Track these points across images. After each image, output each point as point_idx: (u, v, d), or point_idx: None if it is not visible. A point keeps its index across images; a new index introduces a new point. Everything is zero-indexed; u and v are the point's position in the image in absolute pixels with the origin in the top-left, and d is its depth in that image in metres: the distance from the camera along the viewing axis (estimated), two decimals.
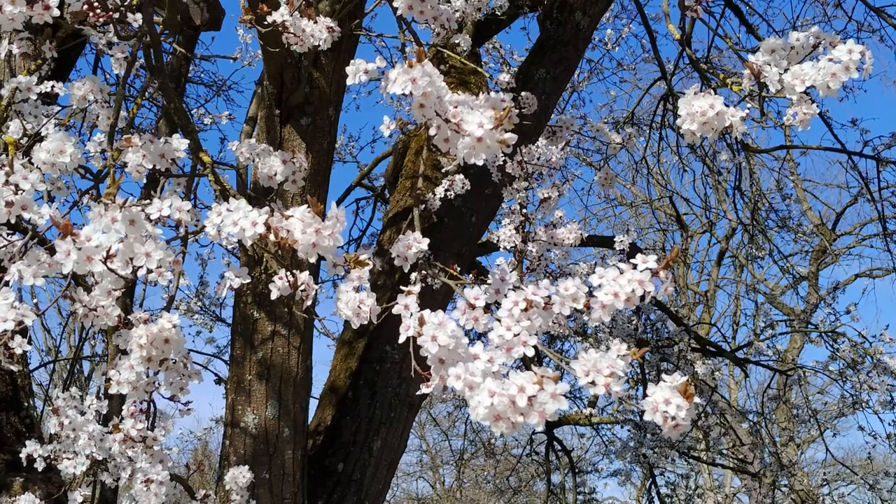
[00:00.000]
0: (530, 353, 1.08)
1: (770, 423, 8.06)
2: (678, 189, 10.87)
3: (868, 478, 9.21)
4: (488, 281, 1.25)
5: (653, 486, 5.81)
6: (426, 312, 1.11)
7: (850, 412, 6.20)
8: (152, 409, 1.61)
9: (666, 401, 1.02)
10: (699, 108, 1.32)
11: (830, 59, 1.34)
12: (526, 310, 1.10)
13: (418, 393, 1.12)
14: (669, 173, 10.24)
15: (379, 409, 2.95)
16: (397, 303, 1.21)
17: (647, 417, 1.02)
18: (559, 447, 5.74)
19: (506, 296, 1.13)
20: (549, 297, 1.13)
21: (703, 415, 5.80)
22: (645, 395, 1.03)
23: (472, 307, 1.16)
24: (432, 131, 1.20)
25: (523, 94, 2.94)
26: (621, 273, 1.13)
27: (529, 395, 0.97)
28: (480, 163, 1.19)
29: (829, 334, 6.05)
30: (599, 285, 1.13)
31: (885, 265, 10.37)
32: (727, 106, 1.34)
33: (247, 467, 2.38)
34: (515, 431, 0.98)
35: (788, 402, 7.66)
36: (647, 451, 5.48)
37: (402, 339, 1.15)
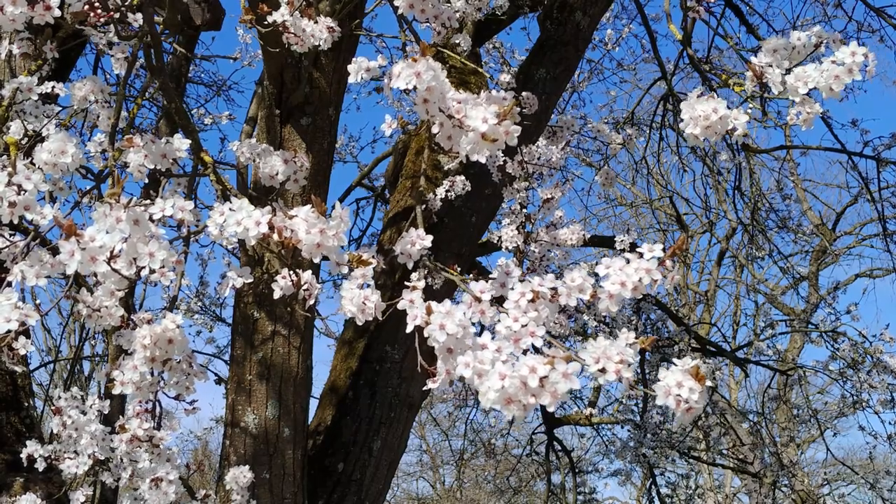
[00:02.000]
0: (538, 343, 1.08)
1: (770, 423, 8.06)
2: (678, 189, 10.87)
3: (869, 477, 9.22)
4: (493, 276, 1.25)
5: (653, 486, 5.81)
6: (433, 303, 1.11)
7: (851, 412, 6.21)
8: (158, 408, 1.60)
9: (678, 384, 1.01)
10: (702, 112, 1.30)
11: (833, 62, 1.33)
12: (533, 300, 1.10)
13: (424, 388, 1.12)
14: (669, 173, 10.25)
15: (379, 409, 2.95)
16: (402, 299, 1.20)
17: (659, 401, 1.02)
18: (559, 447, 5.72)
19: (512, 288, 1.13)
20: (555, 288, 1.13)
21: (703, 415, 5.79)
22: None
23: (478, 300, 1.15)
24: (435, 128, 1.20)
25: (523, 94, 2.94)
26: (628, 262, 1.13)
27: (541, 375, 0.96)
28: (483, 159, 1.19)
29: (830, 334, 6.05)
30: (606, 275, 1.13)
31: (885, 265, 10.39)
32: (730, 108, 1.33)
33: (247, 467, 2.38)
34: (527, 413, 0.97)
35: (789, 402, 7.66)
36: (647, 451, 5.48)
37: (409, 329, 1.14)
